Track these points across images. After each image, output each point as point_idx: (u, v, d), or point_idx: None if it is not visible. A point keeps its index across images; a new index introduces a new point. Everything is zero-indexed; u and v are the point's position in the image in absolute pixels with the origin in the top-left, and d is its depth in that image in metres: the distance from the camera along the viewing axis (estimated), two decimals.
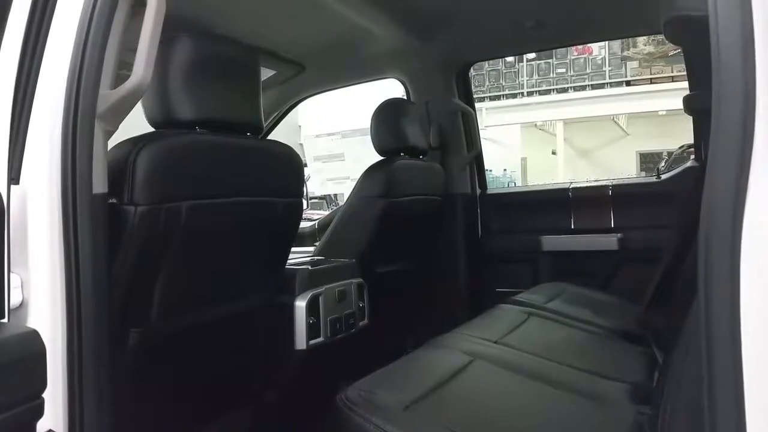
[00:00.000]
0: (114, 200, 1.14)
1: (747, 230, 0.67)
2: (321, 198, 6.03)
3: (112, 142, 1.13)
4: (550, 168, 11.51)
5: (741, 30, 0.69)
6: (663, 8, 0.90)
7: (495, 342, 1.67)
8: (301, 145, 6.27)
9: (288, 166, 1.54)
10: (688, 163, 2.49)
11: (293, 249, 1.68)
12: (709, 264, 0.70)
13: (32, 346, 0.78)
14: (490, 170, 8.94)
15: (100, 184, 1.02)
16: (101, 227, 1.02)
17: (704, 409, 0.70)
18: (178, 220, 1.22)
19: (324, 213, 4.07)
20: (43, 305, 0.96)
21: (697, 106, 1.72)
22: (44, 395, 0.81)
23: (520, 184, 10.77)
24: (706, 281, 0.70)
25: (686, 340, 0.96)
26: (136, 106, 1.09)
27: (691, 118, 2.11)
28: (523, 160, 11.74)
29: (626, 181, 2.83)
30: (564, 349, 1.69)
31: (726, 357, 0.68)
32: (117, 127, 1.07)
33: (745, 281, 0.67)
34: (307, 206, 3.69)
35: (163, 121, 1.30)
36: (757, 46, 0.69)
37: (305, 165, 5.60)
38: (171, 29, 1.10)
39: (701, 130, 2.25)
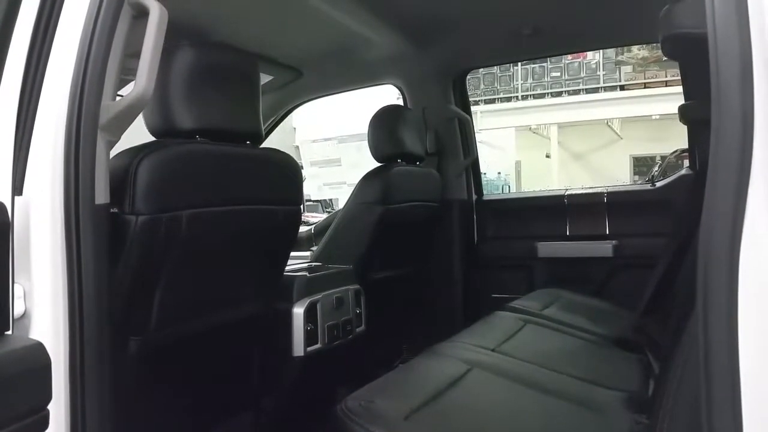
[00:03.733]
0: (115, 209, 1.14)
1: (745, 245, 0.69)
2: (316, 201, 6.03)
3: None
4: (544, 171, 11.52)
5: (740, 51, 0.71)
6: (661, 26, 0.91)
7: (492, 350, 1.68)
8: (297, 147, 6.28)
9: (287, 175, 1.55)
10: (683, 171, 2.51)
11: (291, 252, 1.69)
12: (708, 278, 0.71)
13: (38, 358, 0.78)
14: (485, 173, 8.95)
15: (102, 195, 1.03)
16: (103, 237, 1.02)
17: (702, 420, 0.72)
18: (179, 229, 1.22)
19: (319, 216, 4.07)
20: (46, 315, 0.96)
21: (692, 115, 1.74)
22: (49, 406, 0.81)
23: (515, 187, 10.81)
24: (704, 294, 0.72)
25: (684, 350, 0.97)
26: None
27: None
28: (518, 163, 11.74)
29: (621, 189, 2.86)
30: (560, 357, 1.70)
31: (724, 368, 0.69)
32: (119, 138, 1.08)
33: (743, 295, 0.68)
34: (303, 210, 3.69)
35: (164, 131, 1.30)
36: (755, 65, 0.70)
37: (301, 168, 5.61)
38: (170, 37, 1.11)
39: (695, 138, 2.27)
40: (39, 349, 0.78)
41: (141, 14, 1.06)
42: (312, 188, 5.65)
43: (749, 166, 0.69)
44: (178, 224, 1.22)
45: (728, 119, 0.71)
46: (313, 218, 3.88)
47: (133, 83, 1.05)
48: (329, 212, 4.96)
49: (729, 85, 0.71)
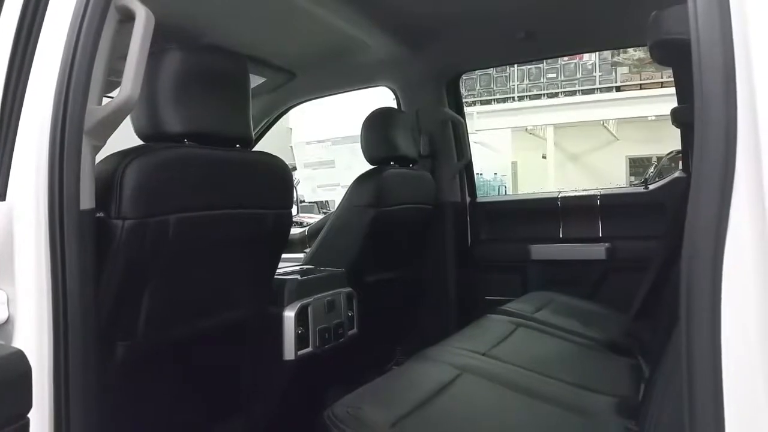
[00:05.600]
0: (101, 214, 1.14)
1: (729, 252, 0.69)
2: (312, 203, 6.03)
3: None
4: (540, 172, 11.54)
5: (723, 59, 0.71)
6: (649, 31, 0.91)
7: (483, 354, 1.68)
8: (292, 147, 6.27)
9: (277, 178, 1.54)
10: (676, 174, 2.51)
11: (283, 255, 1.68)
12: (691, 285, 0.71)
13: (18, 366, 0.77)
14: (481, 174, 8.97)
15: (87, 200, 1.02)
16: (89, 243, 1.01)
17: (685, 427, 0.71)
18: (166, 233, 1.22)
19: (315, 217, 4.07)
20: (30, 321, 0.95)
21: (685, 118, 1.74)
22: (30, 415, 0.80)
23: (510, 188, 10.82)
24: (688, 300, 0.72)
25: (672, 356, 0.97)
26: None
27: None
28: (514, 164, 11.76)
29: (614, 191, 2.86)
30: (551, 361, 1.69)
31: (706, 374, 0.69)
32: (105, 143, 1.07)
33: (726, 301, 0.68)
34: (297, 211, 3.69)
35: (152, 134, 1.29)
36: (738, 73, 0.70)
37: (294, 169, 5.61)
38: (159, 40, 1.10)
39: (688, 141, 2.27)
40: (18, 356, 0.78)
41: (127, 18, 1.05)
42: (306, 190, 5.64)
43: (732, 172, 0.69)
44: (165, 229, 1.21)
45: (712, 126, 0.70)
46: (308, 219, 3.87)
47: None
48: (325, 213, 4.96)
49: (712, 92, 0.71)
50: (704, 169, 0.71)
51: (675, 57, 1.03)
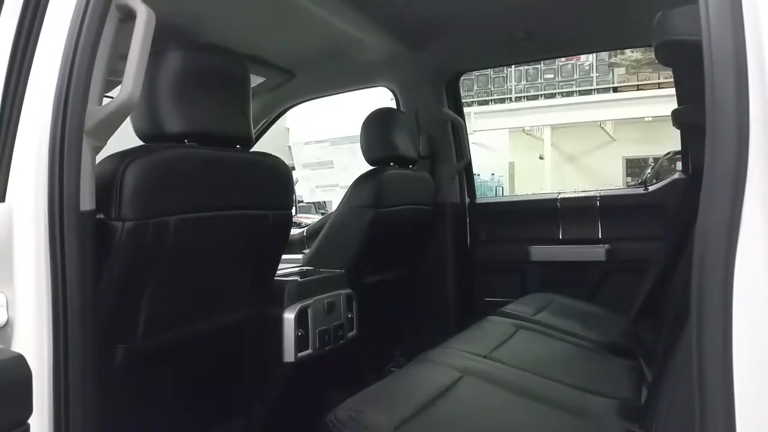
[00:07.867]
0: (101, 215, 1.12)
1: (741, 254, 0.68)
2: (310, 203, 6.02)
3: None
4: (537, 173, 11.56)
5: (735, 58, 0.70)
6: (655, 32, 0.90)
7: (484, 357, 1.67)
8: (290, 147, 6.26)
9: (277, 179, 1.53)
10: (675, 175, 2.50)
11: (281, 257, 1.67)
12: (702, 287, 0.71)
13: (18, 371, 0.76)
14: (478, 174, 8.96)
15: (87, 201, 1.01)
16: (88, 245, 1.00)
17: (696, 429, 0.71)
18: (166, 234, 1.21)
19: (313, 217, 4.05)
20: (30, 324, 0.95)
21: (685, 119, 1.74)
22: (30, 421, 0.79)
23: (508, 189, 10.82)
24: (699, 303, 0.71)
25: (678, 359, 0.96)
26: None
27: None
28: (511, 164, 11.77)
29: (614, 192, 2.85)
30: (553, 363, 1.69)
31: (717, 378, 0.69)
32: (105, 143, 1.06)
33: (738, 304, 0.68)
34: (296, 212, 3.68)
35: (152, 135, 1.28)
36: (750, 72, 0.70)
37: (293, 169, 5.60)
38: (159, 39, 1.09)
39: (688, 142, 2.27)
40: (19, 361, 0.76)
41: (128, 17, 1.04)
42: (305, 190, 5.64)
43: (745, 173, 0.68)
44: (165, 230, 1.20)
45: (724, 127, 0.70)
46: (306, 219, 3.86)
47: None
48: (323, 213, 4.95)
49: (724, 92, 0.70)
50: (716, 170, 0.70)
51: (680, 58, 1.02)
